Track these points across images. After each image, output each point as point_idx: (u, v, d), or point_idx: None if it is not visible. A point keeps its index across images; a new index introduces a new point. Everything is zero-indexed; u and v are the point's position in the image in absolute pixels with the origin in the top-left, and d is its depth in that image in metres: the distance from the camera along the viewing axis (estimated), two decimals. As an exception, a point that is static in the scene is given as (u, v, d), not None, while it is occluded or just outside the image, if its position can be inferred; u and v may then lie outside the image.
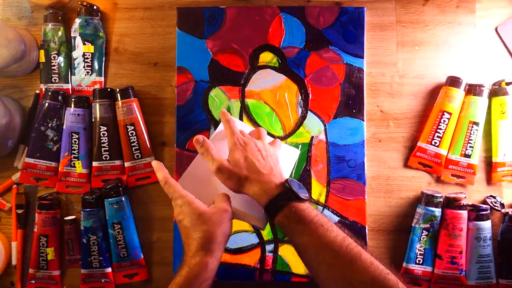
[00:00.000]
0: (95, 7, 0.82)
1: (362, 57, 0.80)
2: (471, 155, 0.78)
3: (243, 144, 0.62)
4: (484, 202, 0.79)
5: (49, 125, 0.79)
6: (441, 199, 0.77)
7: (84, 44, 0.81)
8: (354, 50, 0.81)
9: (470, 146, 0.78)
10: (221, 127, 0.69)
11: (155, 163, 0.62)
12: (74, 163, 0.79)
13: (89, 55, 0.82)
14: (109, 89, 0.80)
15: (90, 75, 0.82)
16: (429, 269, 0.77)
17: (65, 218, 0.79)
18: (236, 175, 0.59)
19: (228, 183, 0.60)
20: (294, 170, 0.77)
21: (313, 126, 0.80)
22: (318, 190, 0.79)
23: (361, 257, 0.52)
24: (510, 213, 0.76)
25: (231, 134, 0.64)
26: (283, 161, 0.66)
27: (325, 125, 0.80)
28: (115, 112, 0.80)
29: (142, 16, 0.83)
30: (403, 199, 0.80)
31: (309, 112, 0.80)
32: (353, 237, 0.56)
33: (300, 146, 0.74)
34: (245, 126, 0.72)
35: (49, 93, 0.79)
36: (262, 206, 0.58)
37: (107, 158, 0.79)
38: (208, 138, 0.64)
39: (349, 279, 0.51)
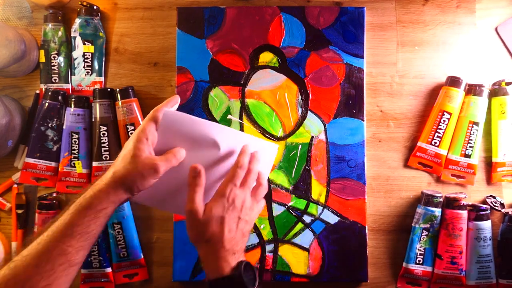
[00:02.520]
0: (95, 7, 0.82)
1: (362, 57, 0.80)
2: (471, 155, 0.78)
3: (230, 201, 0.57)
4: (484, 202, 0.79)
5: (49, 125, 0.79)
6: (441, 199, 0.77)
7: (84, 44, 0.81)
8: (354, 50, 0.81)
9: (470, 146, 0.78)
10: (236, 136, 0.62)
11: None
12: (74, 163, 0.79)
13: (89, 55, 0.82)
14: (109, 89, 0.80)
15: (90, 75, 0.82)
16: (429, 269, 0.77)
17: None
18: (199, 230, 0.56)
19: (188, 230, 0.57)
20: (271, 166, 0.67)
21: (313, 126, 0.80)
22: (318, 190, 0.79)
23: None
24: (510, 213, 0.76)
25: (229, 180, 0.58)
26: (262, 160, 0.62)
27: (325, 125, 0.80)
28: (115, 112, 0.80)
29: (142, 16, 0.83)
30: (403, 199, 0.80)
31: (309, 112, 0.80)
32: None
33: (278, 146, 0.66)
34: (259, 143, 0.63)
35: (49, 93, 0.79)
36: (206, 278, 0.57)
37: (107, 158, 0.79)
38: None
39: None
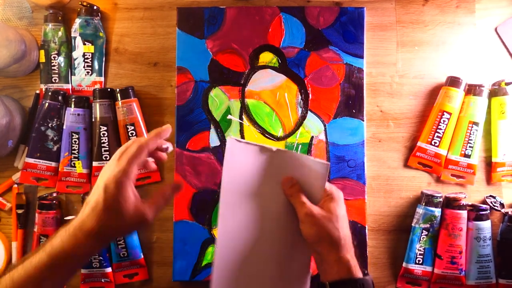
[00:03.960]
0: (95, 7, 0.82)
1: (362, 57, 0.80)
2: (470, 155, 0.78)
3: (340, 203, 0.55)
4: (484, 202, 0.79)
5: (49, 125, 0.79)
6: (441, 199, 0.77)
7: (84, 44, 0.81)
8: (354, 50, 0.81)
9: (470, 146, 0.78)
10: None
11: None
12: (74, 163, 0.79)
13: (89, 55, 0.82)
14: (109, 89, 0.80)
15: (90, 75, 0.82)
16: (429, 269, 0.77)
17: (65, 218, 0.79)
18: (326, 230, 0.52)
19: (309, 230, 0.53)
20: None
21: (313, 126, 0.80)
22: (318, 190, 0.79)
23: None
24: (510, 213, 0.76)
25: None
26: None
27: (325, 125, 0.80)
28: (115, 112, 0.80)
29: (142, 16, 0.83)
30: (403, 199, 0.80)
31: (309, 112, 0.80)
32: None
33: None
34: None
35: (49, 93, 0.79)
36: (329, 278, 0.52)
37: (107, 158, 0.79)
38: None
39: None
